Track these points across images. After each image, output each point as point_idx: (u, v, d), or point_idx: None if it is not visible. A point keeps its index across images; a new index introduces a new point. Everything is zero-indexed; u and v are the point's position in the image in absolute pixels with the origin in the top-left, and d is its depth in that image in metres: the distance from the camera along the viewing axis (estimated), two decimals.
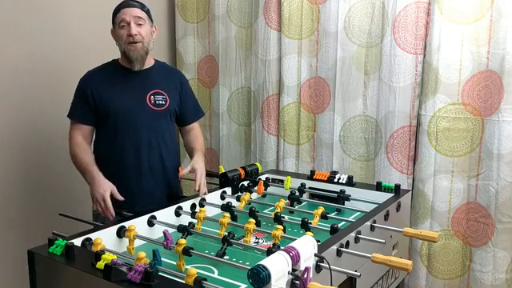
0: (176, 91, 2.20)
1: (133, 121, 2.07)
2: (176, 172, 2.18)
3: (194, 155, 2.16)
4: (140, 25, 2.04)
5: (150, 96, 2.10)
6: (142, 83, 2.12)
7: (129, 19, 2.01)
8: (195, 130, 2.31)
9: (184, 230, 1.67)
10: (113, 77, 2.11)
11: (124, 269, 1.23)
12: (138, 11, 2.04)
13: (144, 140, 2.09)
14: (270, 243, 1.60)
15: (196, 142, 2.25)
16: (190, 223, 1.71)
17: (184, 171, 2.06)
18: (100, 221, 1.95)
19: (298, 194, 2.18)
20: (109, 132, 2.09)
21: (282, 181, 2.37)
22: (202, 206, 2.00)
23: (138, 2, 2.09)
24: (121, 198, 1.91)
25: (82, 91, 2.08)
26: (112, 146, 2.08)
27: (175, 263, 1.47)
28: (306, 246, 1.33)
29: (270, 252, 1.42)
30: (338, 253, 1.52)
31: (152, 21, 2.12)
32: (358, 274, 1.40)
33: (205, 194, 2.05)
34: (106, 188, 1.90)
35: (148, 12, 2.10)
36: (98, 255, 1.30)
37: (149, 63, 2.17)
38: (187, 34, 3.27)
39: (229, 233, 1.57)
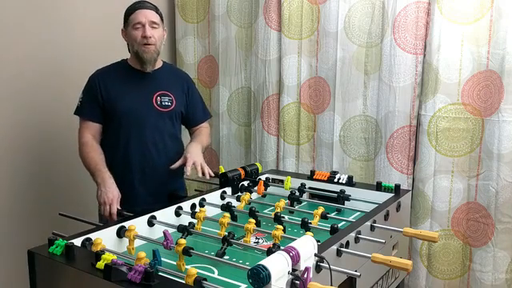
0: (182, 93, 2.22)
1: (138, 120, 2.08)
2: (181, 173, 2.19)
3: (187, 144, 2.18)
4: (154, 28, 2.05)
5: (156, 97, 2.12)
6: (149, 84, 2.13)
7: (144, 21, 2.02)
8: (203, 129, 2.33)
9: (184, 230, 1.67)
10: (121, 76, 2.12)
11: (124, 269, 1.23)
12: (153, 14, 2.06)
13: (149, 140, 2.10)
14: (270, 243, 1.60)
15: (197, 136, 2.27)
16: (189, 223, 1.71)
17: (175, 164, 2.06)
18: (104, 222, 1.96)
19: (298, 193, 2.17)
20: (114, 131, 2.10)
21: (282, 181, 2.37)
22: (202, 205, 2.00)
23: (152, 4, 2.11)
24: (119, 208, 1.91)
25: (92, 89, 2.09)
26: (117, 146, 2.09)
27: (175, 263, 1.47)
28: (306, 245, 1.33)
29: (270, 252, 1.42)
30: (338, 253, 1.52)
31: (163, 24, 2.15)
32: (358, 274, 1.39)
33: (210, 176, 2.06)
34: (115, 195, 1.92)
35: (161, 15, 2.12)
36: (98, 255, 1.30)
37: (157, 64, 2.19)
38: (187, 34, 3.27)
39: (229, 233, 1.57)
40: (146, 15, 2.03)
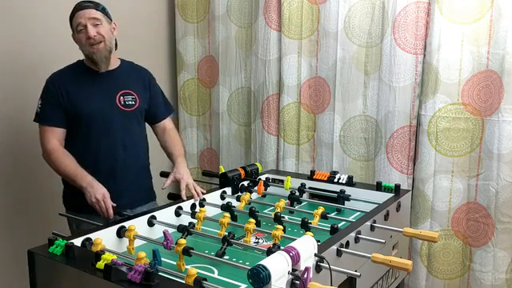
0: (145, 90, 2.19)
1: (105, 123, 2.04)
2: (147, 171, 2.22)
3: (174, 163, 2.14)
4: (97, 25, 1.98)
5: (119, 97, 2.08)
6: (110, 84, 2.09)
7: (85, 22, 1.96)
8: (170, 129, 2.27)
9: (184, 230, 1.67)
10: (80, 78, 2.06)
11: (124, 269, 1.23)
12: (92, 12, 1.99)
13: (118, 141, 2.07)
14: (269, 243, 1.60)
15: (174, 145, 2.22)
16: (190, 223, 1.71)
17: (166, 184, 2.04)
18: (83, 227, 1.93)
19: (297, 193, 2.18)
20: (80, 135, 2.04)
21: (282, 181, 2.37)
22: (202, 205, 2.00)
23: (91, 1, 2.03)
24: (113, 204, 1.90)
25: (52, 93, 2.02)
26: (85, 150, 2.03)
27: (175, 263, 1.47)
28: (306, 245, 1.33)
29: (270, 252, 1.42)
30: (338, 253, 1.52)
31: (110, 18, 2.07)
32: (358, 273, 1.40)
33: (202, 194, 2.05)
34: (105, 191, 1.91)
35: (103, 10, 2.04)
36: (98, 255, 1.31)
37: (115, 63, 2.13)
38: (187, 34, 3.27)
39: (229, 233, 1.57)
40: (84, 15, 1.97)
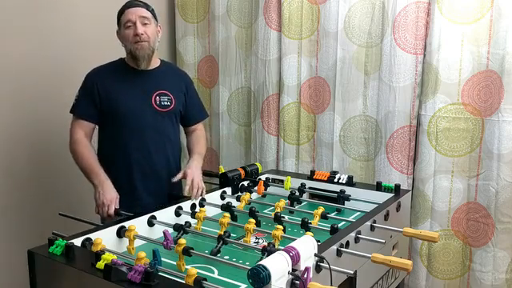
0: (181, 92, 2.21)
1: (138, 121, 2.07)
2: (177, 172, 2.19)
3: (189, 159, 2.18)
4: (146, 24, 2.04)
5: (155, 97, 2.11)
6: (147, 83, 2.13)
7: (135, 19, 2.02)
8: (198, 130, 2.33)
9: (180, 229, 1.67)
10: (119, 75, 2.11)
11: (124, 269, 1.23)
12: (143, 11, 2.05)
13: (149, 140, 2.10)
14: None
15: (196, 144, 2.26)
16: (186, 222, 1.71)
17: (176, 178, 2.07)
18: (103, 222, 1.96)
19: (297, 193, 2.18)
20: (114, 131, 2.09)
21: (282, 181, 2.37)
22: (202, 205, 2.00)
23: (142, 1, 2.09)
24: (117, 207, 1.92)
25: (88, 87, 2.08)
26: (117, 145, 2.08)
27: (175, 263, 1.47)
28: (306, 245, 1.33)
29: (264, 250, 1.42)
30: (338, 253, 1.52)
31: (157, 20, 2.13)
32: (357, 273, 1.39)
33: (201, 195, 2.04)
34: (113, 195, 1.93)
35: (153, 11, 2.11)
36: (98, 255, 1.31)
37: (154, 63, 2.18)
38: (187, 34, 3.27)
39: (224, 232, 1.58)
40: (135, 13, 2.03)
